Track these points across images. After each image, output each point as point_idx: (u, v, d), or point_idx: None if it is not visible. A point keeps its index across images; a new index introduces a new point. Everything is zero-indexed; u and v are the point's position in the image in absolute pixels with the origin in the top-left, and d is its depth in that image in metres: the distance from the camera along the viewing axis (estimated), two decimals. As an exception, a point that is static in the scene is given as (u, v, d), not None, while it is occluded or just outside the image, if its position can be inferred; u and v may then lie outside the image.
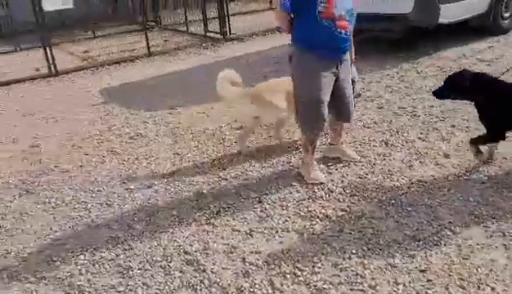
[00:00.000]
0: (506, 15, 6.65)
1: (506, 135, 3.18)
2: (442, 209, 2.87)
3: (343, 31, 2.95)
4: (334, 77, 3.12)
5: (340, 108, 3.28)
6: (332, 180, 3.32)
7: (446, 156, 3.50)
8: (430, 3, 5.83)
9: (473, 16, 6.30)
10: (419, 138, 3.85)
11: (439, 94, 3.33)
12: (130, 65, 7.61)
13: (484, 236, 2.60)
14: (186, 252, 2.68)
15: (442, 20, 5.94)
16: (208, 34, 8.85)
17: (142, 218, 3.09)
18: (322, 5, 2.86)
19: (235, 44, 8.29)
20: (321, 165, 3.50)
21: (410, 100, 4.67)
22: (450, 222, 2.73)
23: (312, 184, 3.28)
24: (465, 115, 4.05)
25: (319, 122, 3.17)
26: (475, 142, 3.30)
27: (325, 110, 3.13)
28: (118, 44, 8.91)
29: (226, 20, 8.52)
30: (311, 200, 3.12)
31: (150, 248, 2.76)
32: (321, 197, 3.14)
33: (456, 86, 3.17)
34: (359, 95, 4.44)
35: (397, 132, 3.99)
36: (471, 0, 6.16)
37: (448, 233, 2.64)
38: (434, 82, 4.86)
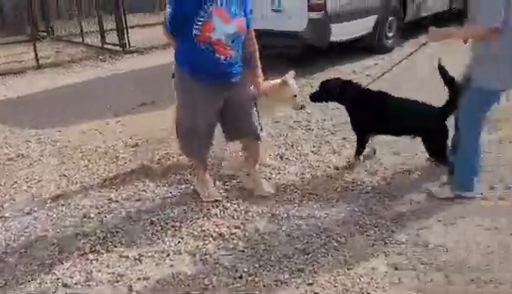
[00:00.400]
0: (390, 34, 7.26)
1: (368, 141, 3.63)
2: (330, 220, 2.97)
3: (222, 56, 2.80)
4: (221, 102, 2.99)
5: (240, 126, 3.15)
6: (227, 197, 3.29)
7: (336, 168, 3.66)
8: (322, 22, 6.15)
9: (361, 36, 6.78)
10: (312, 151, 3.99)
11: (314, 97, 3.68)
12: (17, 78, 7.00)
13: (367, 245, 2.73)
14: (65, 285, 2.46)
15: (334, 38, 6.31)
16: (105, 46, 8.47)
17: (16, 249, 2.79)
18: (197, 27, 2.70)
19: (135, 57, 8.03)
20: (218, 182, 3.46)
21: (305, 114, 4.84)
22: (337, 233, 2.83)
23: (206, 202, 3.22)
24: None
25: (197, 146, 3.09)
26: (358, 154, 3.65)
27: (206, 134, 3.04)
28: (3, 55, 8.16)
29: (125, 32, 8.23)
30: (205, 218, 3.05)
31: (22, 284, 2.49)
32: (216, 214, 3.09)
33: (328, 92, 3.59)
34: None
35: (292, 146, 4.11)
36: (359, 20, 6.62)
37: (335, 244, 2.73)
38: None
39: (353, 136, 4.16)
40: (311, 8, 6.02)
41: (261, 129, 3.30)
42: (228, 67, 2.88)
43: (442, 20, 8.03)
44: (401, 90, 4.09)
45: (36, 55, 7.35)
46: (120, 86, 6.24)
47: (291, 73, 3.48)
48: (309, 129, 4.48)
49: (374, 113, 3.46)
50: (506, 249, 2.62)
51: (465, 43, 2.95)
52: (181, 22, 2.75)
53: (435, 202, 3.14)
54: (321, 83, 3.68)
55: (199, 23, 2.70)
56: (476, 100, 2.94)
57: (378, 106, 3.46)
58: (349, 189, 3.35)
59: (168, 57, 7.84)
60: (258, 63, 3.10)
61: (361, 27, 6.75)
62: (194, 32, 2.72)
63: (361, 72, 6.26)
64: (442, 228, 2.86)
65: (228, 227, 2.94)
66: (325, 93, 3.62)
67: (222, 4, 2.72)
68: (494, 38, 2.69)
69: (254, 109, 3.21)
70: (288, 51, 6.52)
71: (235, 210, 3.13)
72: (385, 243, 2.73)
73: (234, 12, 2.78)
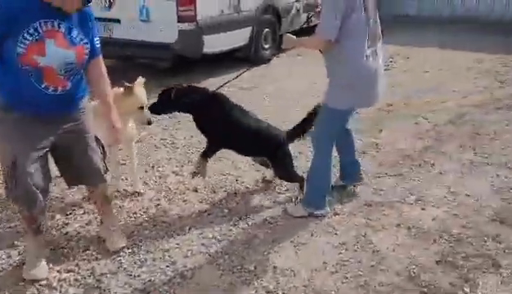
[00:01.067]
0: (266, 46, 7.35)
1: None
2: (179, 252, 2.77)
3: (51, 87, 2.31)
4: (48, 141, 2.44)
5: (79, 169, 2.61)
6: (67, 233, 2.93)
7: (195, 190, 3.48)
8: (193, 34, 5.98)
9: (236, 48, 6.75)
10: (173, 172, 3.78)
11: (154, 109, 3.28)
12: None
13: (215, 276, 2.58)
14: None
15: (207, 50, 6.18)
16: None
17: None
18: (23, 46, 2.19)
19: None
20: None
21: (172, 130, 4.62)
22: (184, 266, 2.65)
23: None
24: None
25: (25, 195, 2.40)
26: (203, 156, 3.30)
27: (34, 180, 2.37)
28: None
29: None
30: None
31: None
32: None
33: (165, 101, 3.22)
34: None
35: (153, 167, 3.85)
36: (233, 32, 6.58)
37: (179, 280, 2.54)
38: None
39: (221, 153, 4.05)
40: (180, 19, 5.81)
41: (106, 169, 2.79)
42: (55, 102, 2.37)
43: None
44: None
45: None
46: None
47: (140, 80, 3.17)
48: (174, 147, 4.26)
49: (216, 123, 3.19)
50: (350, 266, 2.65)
51: (321, 52, 2.96)
52: (2, 34, 2.20)
53: (291, 220, 3.12)
54: (159, 94, 3.28)
55: (26, 41, 2.20)
56: (326, 119, 3.00)
57: (219, 115, 3.19)
58: (205, 213, 3.19)
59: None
60: (111, 100, 2.59)
61: (237, 38, 6.72)
62: (17, 50, 2.19)
63: (236, 84, 6.20)
64: (293, 249, 2.82)
65: (59, 271, 2.58)
66: (162, 103, 3.24)
67: (59, 26, 2.27)
68: (329, 49, 2.80)
69: (95, 144, 2.68)
70: (158, 63, 6.25)
71: (73, 249, 2.79)
72: (233, 273, 2.60)
73: (74, 37, 2.33)
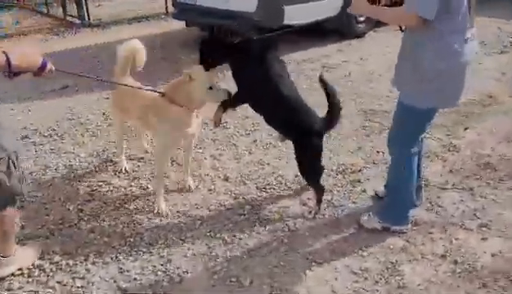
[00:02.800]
0: (361, 18, 6.62)
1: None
2: (179, 250, 2.59)
3: None
4: None
5: None
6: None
7: (226, 179, 3.25)
8: (273, 4, 5.62)
9: (323, 19, 6.18)
10: (211, 156, 3.58)
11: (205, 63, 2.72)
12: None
13: (207, 285, 2.35)
14: None
15: (288, 21, 5.75)
16: (67, 18, 8.07)
17: None
18: None
19: (93, 32, 7.59)
20: None
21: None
22: (178, 267, 2.46)
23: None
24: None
25: None
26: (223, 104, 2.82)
27: None
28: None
29: (84, 2, 7.78)
30: None
31: None
32: None
33: (216, 48, 2.69)
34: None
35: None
36: (319, 2, 6.02)
37: (165, 283, 2.36)
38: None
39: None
40: (260, -13, 5.47)
41: None
42: None
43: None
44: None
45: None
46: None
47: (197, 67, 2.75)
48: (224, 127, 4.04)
49: (252, 75, 2.69)
50: None
51: (401, 30, 2.44)
52: None
53: (315, 231, 2.73)
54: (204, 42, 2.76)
55: None
56: (404, 119, 2.49)
57: (260, 69, 2.67)
58: (223, 207, 2.95)
59: (131, 32, 7.54)
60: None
61: (325, 9, 6.14)
62: None
63: (319, 60, 5.74)
64: (303, 267, 2.45)
65: (54, 252, 2.57)
66: (212, 51, 2.70)
67: None
68: (418, 28, 2.21)
69: None
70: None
71: None
72: (225, 285, 2.34)
73: None
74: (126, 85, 2.95)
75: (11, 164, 2.12)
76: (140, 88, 2.93)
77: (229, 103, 2.80)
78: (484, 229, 2.68)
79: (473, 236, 2.63)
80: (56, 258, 2.53)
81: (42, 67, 2.04)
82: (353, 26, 6.55)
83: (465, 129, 3.83)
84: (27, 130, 3.98)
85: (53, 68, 2.12)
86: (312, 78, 4.86)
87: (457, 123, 3.91)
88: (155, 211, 2.89)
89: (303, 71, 5.26)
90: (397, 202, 2.67)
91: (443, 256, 2.50)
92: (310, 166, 2.81)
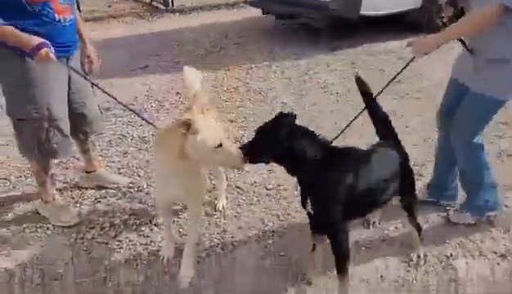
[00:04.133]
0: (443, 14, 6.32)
1: None
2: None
3: (62, 18, 2.39)
4: (67, 81, 2.58)
5: (79, 118, 2.73)
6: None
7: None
8: (351, -7, 5.56)
9: (402, 11, 5.99)
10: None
11: (251, 154, 2.05)
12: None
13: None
14: None
15: (365, 12, 5.67)
16: (153, 3, 8.56)
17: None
18: None
19: (176, 16, 7.99)
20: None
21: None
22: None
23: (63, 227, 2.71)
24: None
25: (60, 145, 2.57)
26: None
27: (59, 125, 2.53)
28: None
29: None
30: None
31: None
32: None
33: (270, 142, 2.00)
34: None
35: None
36: (400, -7, 5.86)
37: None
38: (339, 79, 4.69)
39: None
40: (336, -24, 5.44)
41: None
42: (70, 32, 2.48)
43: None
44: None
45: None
46: (132, 46, 6.22)
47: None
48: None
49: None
50: None
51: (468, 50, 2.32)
52: None
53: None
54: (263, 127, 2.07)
55: None
56: (484, 114, 2.40)
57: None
58: (258, 216, 3.04)
59: (210, 18, 7.85)
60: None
61: (404, 1, 5.96)
62: None
63: (394, 52, 5.59)
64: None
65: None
66: (266, 143, 2.01)
67: None
68: (492, 23, 2.11)
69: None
70: (314, 24, 6.01)
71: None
72: None
73: None
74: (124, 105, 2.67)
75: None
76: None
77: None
78: None
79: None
80: (125, 217, 2.79)
81: (38, 48, 2.23)
82: (435, 20, 6.28)
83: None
84: (109, 103, 4.34)
85: (51, 55, 2.28)
86: (384, 70, 4.79)
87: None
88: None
89: (377, 63, 5.17)
90: (484, 192, 2.57)
91: (503, 256, 2.40)
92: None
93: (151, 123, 2.48)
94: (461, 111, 2.45)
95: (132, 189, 3.03)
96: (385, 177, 2.17)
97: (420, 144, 3.46)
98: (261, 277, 2.35)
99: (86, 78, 2.66)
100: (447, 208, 2.74)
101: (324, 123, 3.79)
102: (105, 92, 2.49)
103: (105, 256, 2.49)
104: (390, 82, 2.29)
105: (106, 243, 2.58)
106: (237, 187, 3.06)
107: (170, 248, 2.46)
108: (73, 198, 2.96)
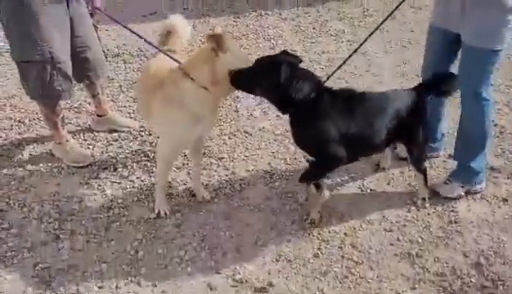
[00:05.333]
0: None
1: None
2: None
3: None
4: (69, 24, 2.58)
5: (83, 62, 2.74)
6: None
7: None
8: None
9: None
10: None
11: (240, 81, 2.08)
12: None
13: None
14: None
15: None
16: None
17: None
18: None
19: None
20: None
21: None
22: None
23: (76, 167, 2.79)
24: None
25: (64, 87, 2.62)
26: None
27: (62, 68, 2.57)
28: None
29: None
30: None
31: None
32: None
33: (263, 76, 2.05)
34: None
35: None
36: None
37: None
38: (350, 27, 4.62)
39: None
40: None
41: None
42: None
43: None
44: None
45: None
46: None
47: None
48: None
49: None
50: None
51: None
52: None
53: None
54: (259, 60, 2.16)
55: None
56: (490, 65, 2.30)
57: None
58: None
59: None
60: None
61: None
62: None
63: None
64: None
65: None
66: (258, 76, 2.06)
67: None
68: None
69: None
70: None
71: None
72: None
73: None
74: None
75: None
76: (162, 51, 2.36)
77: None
78: None
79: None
80: (137, 158, 2.87)
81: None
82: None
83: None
84: (119, 49, 4.34)
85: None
86: (395, 17, 4.68)
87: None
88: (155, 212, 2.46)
89: (389, 9, 5.04)
90: (479, 156, 2.48)
91: (505, 200, 2.46)
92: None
93: (176, 60, 2.22)
94: (462, 67, 2.37)
95: (143, 133, 3.10)
96: (383, 121, 2.20)
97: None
98: (268, 216, 2.45)
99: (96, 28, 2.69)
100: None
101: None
102: (134, 33, 2.53)
103: (117, 194, 2.59)
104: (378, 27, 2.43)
105: (119, 183, 2.68)
106: (245, 132, 3.11)
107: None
108: (85, 140, 3.04)
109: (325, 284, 2.07)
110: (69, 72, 2.64)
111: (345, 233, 2.32)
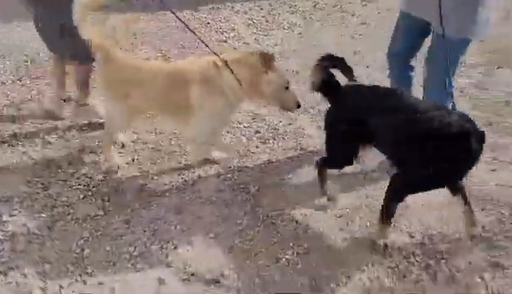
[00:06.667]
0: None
1: None
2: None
3: None
4: None
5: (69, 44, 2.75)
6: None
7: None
8: None
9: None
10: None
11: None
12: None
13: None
14: None
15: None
16: None
17: None
18: None
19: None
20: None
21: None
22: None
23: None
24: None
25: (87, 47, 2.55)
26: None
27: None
28: None
29: None
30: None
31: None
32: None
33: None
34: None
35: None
36: None
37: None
38: (302, 20, 4.61)
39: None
40: None
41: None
42: None
43: None
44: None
45: None
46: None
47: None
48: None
49: None
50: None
51: None
52: None
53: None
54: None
55: None
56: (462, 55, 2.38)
57: None
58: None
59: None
60: None
61: None
62: None
63: None
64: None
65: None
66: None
67: None
68: None
69: None
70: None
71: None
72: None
73: None
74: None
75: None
76: None
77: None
78: (495, 161, 2.68)
79: (483, 167, 2.64)
80: (84, 154, 2.79)
81: None
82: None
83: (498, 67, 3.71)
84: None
85: None
86: (347, 11, 4.76)
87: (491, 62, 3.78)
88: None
89: (340, 3, 5.12)
90: None
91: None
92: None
93: (215, 53, 2.45)
94: (431, 54, 2.41)
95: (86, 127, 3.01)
96: None
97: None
98: (220, 208, 2.42)
99: None
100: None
101: (286, 64, 3.78)
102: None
103: (62, 192, 2.49)
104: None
105: (64, 181, 2.57)
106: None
107: None
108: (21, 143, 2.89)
109: (277, 272, 2.07)
110: None
111: (297, 221, 2.33)
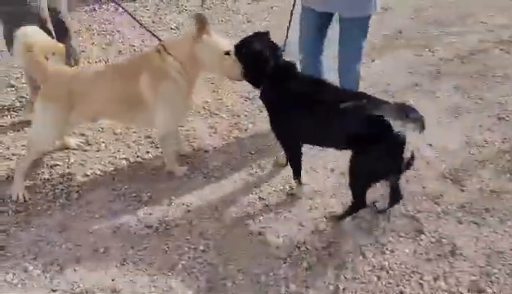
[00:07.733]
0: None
1: None
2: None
3: None
4: None
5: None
6: None
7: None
8: None
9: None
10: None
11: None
12: None
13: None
14: None
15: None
16: None
17: None
18: None
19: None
20: None
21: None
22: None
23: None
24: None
25: None
26: None
27: None
28: None
29: None
30: None
31: None
32: None
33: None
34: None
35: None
36: None
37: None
38: (189, 20, 4.54)
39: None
40: None
41: None
42: None
43: None
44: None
45: None
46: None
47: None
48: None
49: None
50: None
51: None
52: None
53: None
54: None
55: None
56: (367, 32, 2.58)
57: None
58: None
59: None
60: None
61: None
62: None
63: None
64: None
65: None
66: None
67: None
68: None
69: None
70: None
71: None
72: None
73: None
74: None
75: None
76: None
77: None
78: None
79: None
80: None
81: None
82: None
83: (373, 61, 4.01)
84: None
85: None
86: (232, 9, 4.82)
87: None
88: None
89: (228, 2, 5.18)
90: None
91: (332, 170, 2.68)
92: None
93: (156, 36, 2.46)
94: (343, 39, 2.59)
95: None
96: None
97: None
98: (110, 219, 2.31)
99: None
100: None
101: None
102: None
103: None
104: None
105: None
106: (81, 134, 2.90)
107: None
108: None
109: (173, 278, 2.03)
110: None
111: (191, 223, 2.31)
